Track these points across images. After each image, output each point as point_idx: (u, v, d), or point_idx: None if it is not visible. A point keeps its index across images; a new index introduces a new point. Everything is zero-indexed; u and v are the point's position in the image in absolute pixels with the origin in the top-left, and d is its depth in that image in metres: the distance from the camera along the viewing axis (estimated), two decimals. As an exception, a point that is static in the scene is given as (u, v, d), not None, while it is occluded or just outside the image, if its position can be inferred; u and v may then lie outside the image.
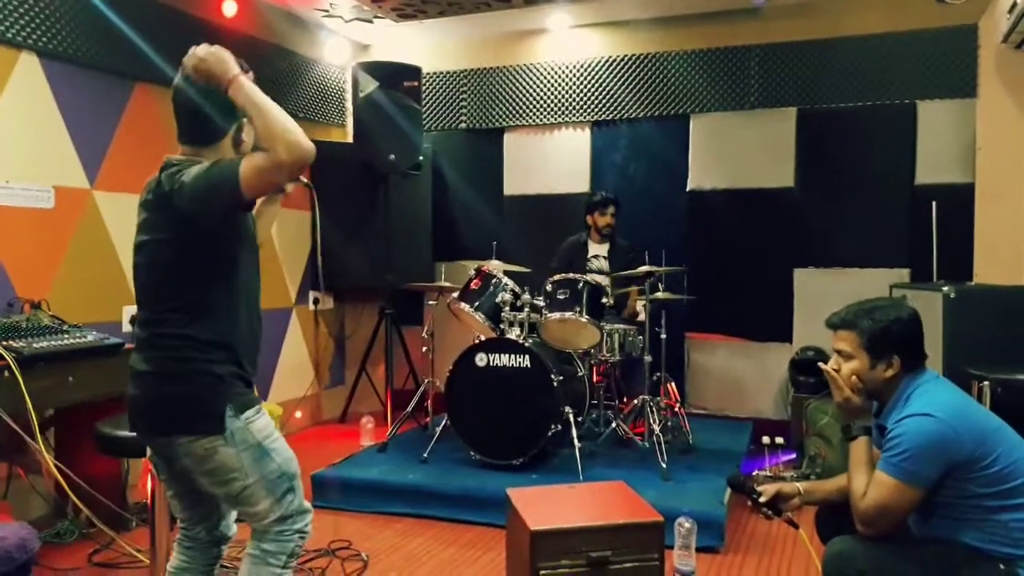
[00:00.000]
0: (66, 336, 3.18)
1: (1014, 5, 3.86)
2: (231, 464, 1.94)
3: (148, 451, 2.16)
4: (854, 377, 2.16)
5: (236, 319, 2.00)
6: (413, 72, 5.37)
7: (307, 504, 2.09)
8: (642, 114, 5.49)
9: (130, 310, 3.91)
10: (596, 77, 5.57)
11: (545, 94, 5.71)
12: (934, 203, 4.57)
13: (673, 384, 4.70)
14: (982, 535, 1.98)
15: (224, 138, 1.98)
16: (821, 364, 2.27)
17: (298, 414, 5.51)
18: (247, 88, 1.83)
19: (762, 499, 2.32)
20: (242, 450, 1.94)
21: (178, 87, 1.96)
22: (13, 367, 2.81)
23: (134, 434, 2.10)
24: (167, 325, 1.94)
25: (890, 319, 2.14)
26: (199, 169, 1.85)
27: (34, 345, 2.98)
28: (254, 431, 1.97)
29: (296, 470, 2.06)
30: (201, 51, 1.87)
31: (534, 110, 5.75)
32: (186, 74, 1.92)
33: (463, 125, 5.95)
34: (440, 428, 4.26)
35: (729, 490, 3.69)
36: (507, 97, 5.81)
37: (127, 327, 3.95)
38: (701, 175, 5.39)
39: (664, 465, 3.90)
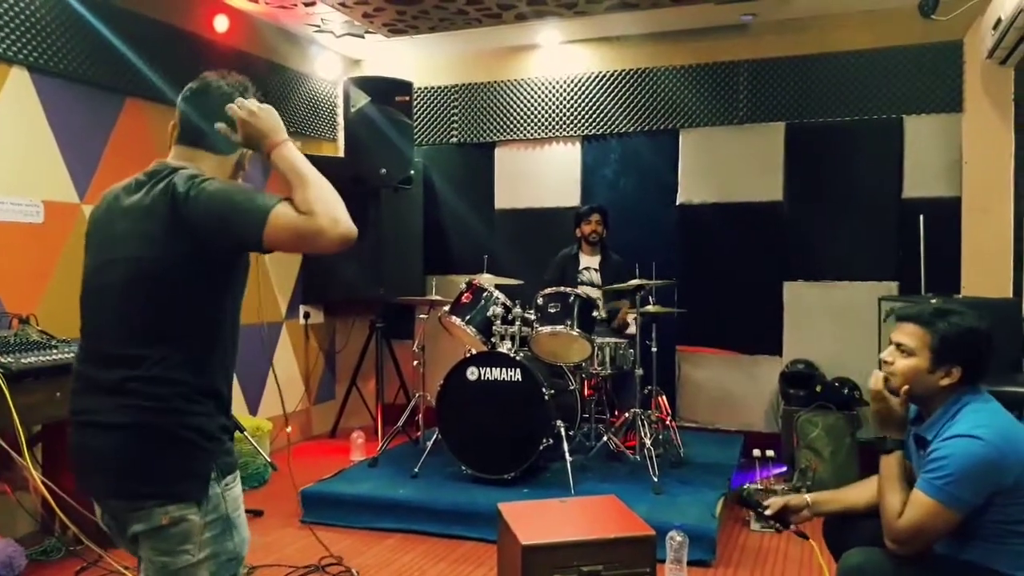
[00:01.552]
0: (54, 351, 3.16)
1: (998, 21, 3.91)
2: (191, 535, 1.62)
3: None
4: (905, 386, 2.05)
5: (223, 361, 1.73)
6: (404, 87, 5.39)
7: None
8: (632, 129, 5.52)
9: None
10: (586, 92, 5.61)
11: (536, 109, 5.74)
12: (921, 216, 4.61)
13: (664, 397, 4.71)
14: (1022, 564, 1.93)
15: (230, 155, 1.76)
16: (883, 357, 2.11)
17: (288, 429, 5.47)
18: (292, 156, 1.61)
19: (768, 512, 2.30)
20: (209, 521, 1.64)
21: (185, 99, 1.74)
22: (0, 382, 2.79)
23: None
24: (149, 366, 1.60)
25: (967, 326, 2.04)
26: (229, 184, 1.65)
27: (22, 360, 2.96)
28: (228, 500, 1.68)
29: (245, 555, 1.74)
30: (251, 104, 1.65)
31: (525, 125, 5.77)
32: (224, 114, 1.67)
33: (454, 139, 5.98)
34: (431, 442, 4.25)
35: (720, 505, 3.69)
36: (498, 112, 5.84)
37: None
38: (691, 189, 5.42)
39: (655, 479, 3.90)
